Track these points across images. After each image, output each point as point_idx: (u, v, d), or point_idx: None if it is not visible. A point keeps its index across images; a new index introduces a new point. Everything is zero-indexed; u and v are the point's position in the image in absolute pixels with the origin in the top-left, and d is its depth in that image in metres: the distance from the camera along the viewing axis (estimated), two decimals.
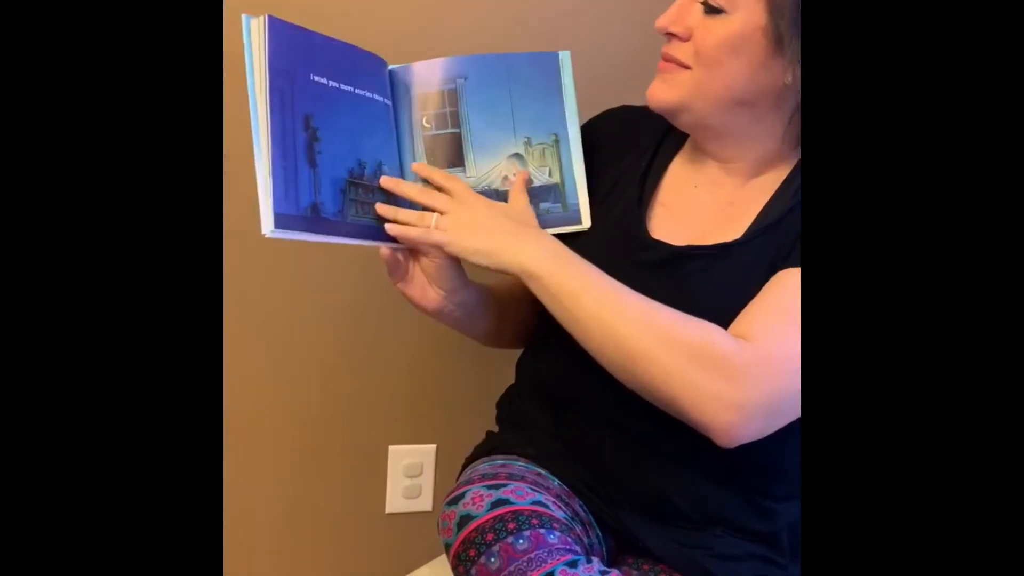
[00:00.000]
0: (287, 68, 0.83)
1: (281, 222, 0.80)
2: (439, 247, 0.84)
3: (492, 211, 0.87)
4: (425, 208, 0.86)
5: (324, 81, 0.86)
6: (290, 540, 1.26)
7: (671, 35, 0.86)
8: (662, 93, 0.87)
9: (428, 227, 0.84)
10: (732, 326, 0.80)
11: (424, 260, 0.88)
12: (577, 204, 0.93)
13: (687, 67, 0.85)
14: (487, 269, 0.84)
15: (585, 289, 0.81)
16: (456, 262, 0.88)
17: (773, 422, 0.78)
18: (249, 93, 0.81)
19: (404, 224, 0.85)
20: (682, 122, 0.89)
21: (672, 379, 0.77)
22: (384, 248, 0.86)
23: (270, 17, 0.82)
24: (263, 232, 0.79)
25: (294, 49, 0.84)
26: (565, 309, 0.81)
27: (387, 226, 0.85)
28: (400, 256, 0.88)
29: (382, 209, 0.86)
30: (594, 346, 0.81)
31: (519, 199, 0.91)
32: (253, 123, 0.81)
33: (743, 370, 0.76)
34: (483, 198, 0.88)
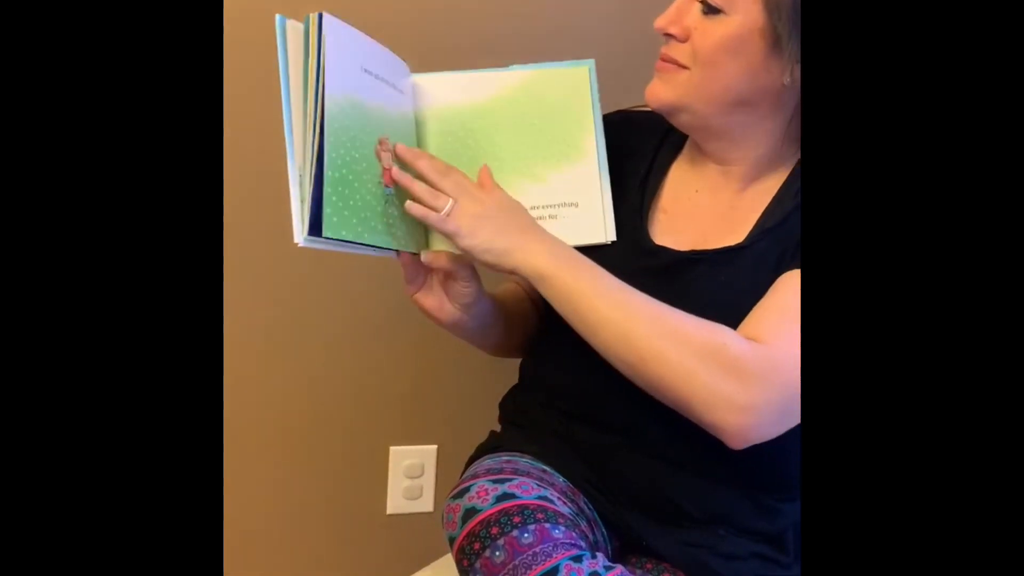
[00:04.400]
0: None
1: (316, 230, 0.76)
2: (452, 238, 0.82)
3: (501, 208, 0.85)
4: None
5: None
6: (291, 541, 1.26)
7: (669, 36, 0.85)
8: (661, 92, 0.87)
9: (442, 212, 0.82)
10: (741, 327, 0.80)
11: (449, 282, 0.87)
12: (602, 216, 0.90)
13: (685, 67, 0.85)
14: (493, 269, 0.83)
15: (595, 290, 0.81)
16: (477, 278, 0.88)
17: (784, 423, 0.79)
18: (283, 96, 0.76)
19: (418, 201, 0.82)
20: (681, 122, 0.89)
21: (683, 381, 0.77)
22: (405, 256, 0.85)
23: (324, 15, 0.75)
24: (295, 240, 0.76)
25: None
26: (575, 310, 0.81)
27: (408, 204, 0.82)
28: (422, 267, 0.87)
29: (397, 175, 0.82)
30: (605, 346, 0.81)
31: (499, 192, 0.87)
32: (287, 127, 0.76)
33: (754, 372, 0.76)
34: (489, 191, 0.86)
